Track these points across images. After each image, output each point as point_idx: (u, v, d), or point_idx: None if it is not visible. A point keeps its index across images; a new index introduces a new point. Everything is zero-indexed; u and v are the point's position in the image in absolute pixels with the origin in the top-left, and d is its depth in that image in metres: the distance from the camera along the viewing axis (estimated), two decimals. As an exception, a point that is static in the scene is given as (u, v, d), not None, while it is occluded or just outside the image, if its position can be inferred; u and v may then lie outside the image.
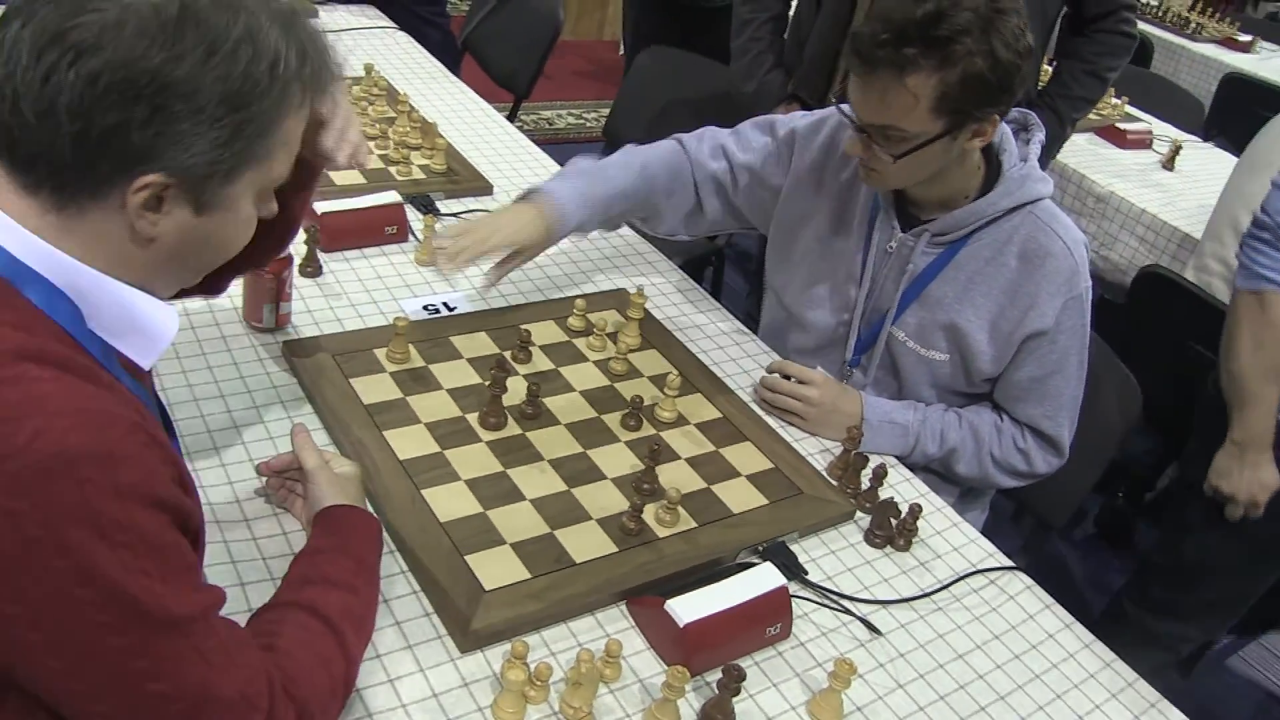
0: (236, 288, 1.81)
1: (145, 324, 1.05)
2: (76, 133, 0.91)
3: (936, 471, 1.94)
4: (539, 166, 2.65)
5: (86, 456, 0.87)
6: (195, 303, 1.82)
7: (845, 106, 1.77)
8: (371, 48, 3.19)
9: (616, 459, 1.66)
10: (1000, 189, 1.80)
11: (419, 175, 2.41)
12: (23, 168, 0.95)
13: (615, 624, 1.41)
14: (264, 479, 1.47)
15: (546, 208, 1.89)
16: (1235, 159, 3.00)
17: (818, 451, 1.82)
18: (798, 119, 2.05)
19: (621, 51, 5.77)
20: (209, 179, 0.99)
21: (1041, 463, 1.92)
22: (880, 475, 1.71)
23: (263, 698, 0.99)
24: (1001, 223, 1.83)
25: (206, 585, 1.00)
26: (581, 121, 5.93)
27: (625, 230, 2.41)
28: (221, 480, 1.48)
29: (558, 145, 4.68)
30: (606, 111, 3.77)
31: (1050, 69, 3.25)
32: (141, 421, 0.93)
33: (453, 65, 3.33)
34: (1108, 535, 3.46)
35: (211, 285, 1.40)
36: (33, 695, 0.94)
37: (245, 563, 1.36)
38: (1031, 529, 2.33)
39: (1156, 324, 2.77)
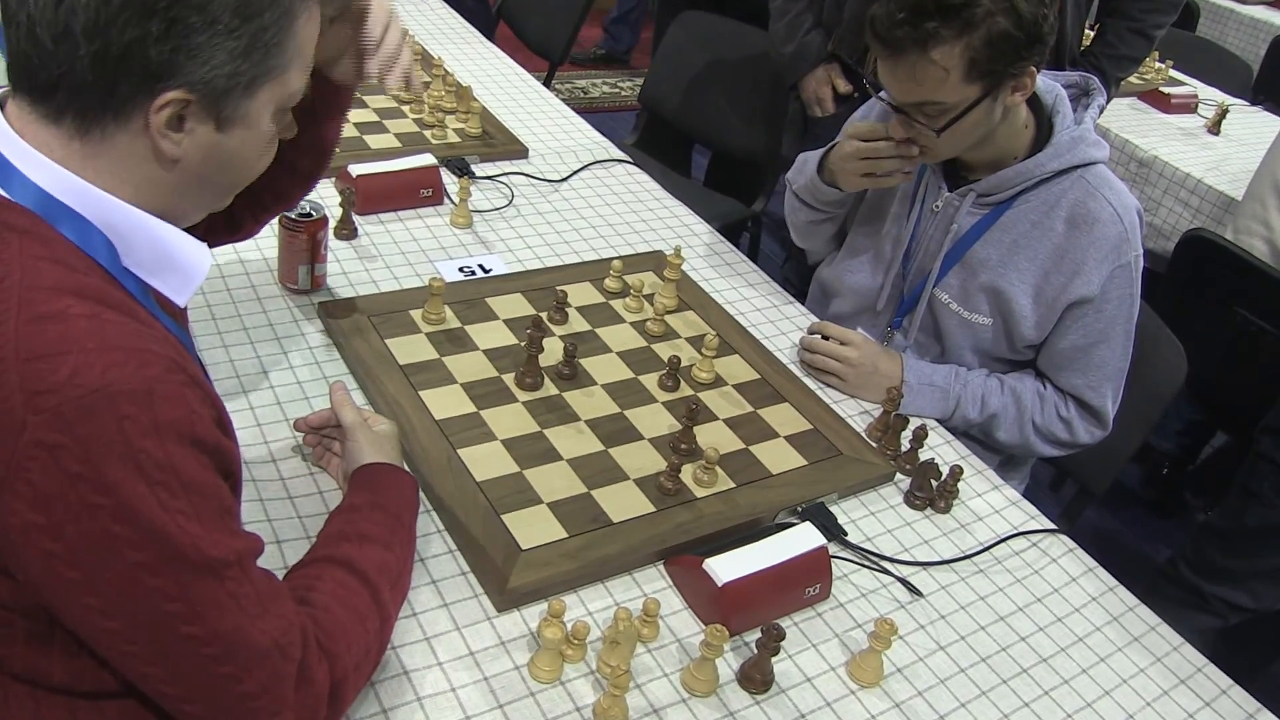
0: (272, 250, 1.81)
1: (180, 260, 1.05)
2: (94, 53, 0.91)
3: (977, 438, 1.92)
4: (575, 130, 2.63)
5: (126, 394, 0.86)
6: (232, 265, 1.82)
7: (883, 93, 1.75)
8: (405, 13, 3.18)
9: (654, 419, 1.64)
10: (1049, 150, 1.77)
11: (454, 139, 2.40)
12: (43, 96, 0.94)
13: (653, 584, 1.40)
14: (300, 436, 1.47)
15: None
16: (1283, 121, 2.94)
17: (857, 413, 1.80)
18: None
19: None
20: (229, 92, 0.98)
21: (1084, 433, 1.89)
22: (920, 437, 1.69)
23: (295, 648, 0.99)
24: (1050, 185, 1.79)
25: (244, 531, 0.99)
26: (616, 90, 5.89)
27: (661, 193, 2.39)
28: (257, 439, 1.48)
29: (593, 114, 4.66)
30: (641, 81, 3.74)
31: (1091, 33, 3.18)
32: (181, 361, 0.93)
33: (487, 33, 3.31)
34: (1157, 505, 3.43)
35: (246, 225, 1.40)
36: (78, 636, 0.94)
37: (281, 520, 1.36)
38: (1072, 497, 2.30)
39: (1200, 289, 2.72)
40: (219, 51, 0.95)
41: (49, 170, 0.95)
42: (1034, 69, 1.66)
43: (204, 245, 1.08)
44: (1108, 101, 3.13)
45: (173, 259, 1.04)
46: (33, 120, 0.96)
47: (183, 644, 0.92)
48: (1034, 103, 1.80)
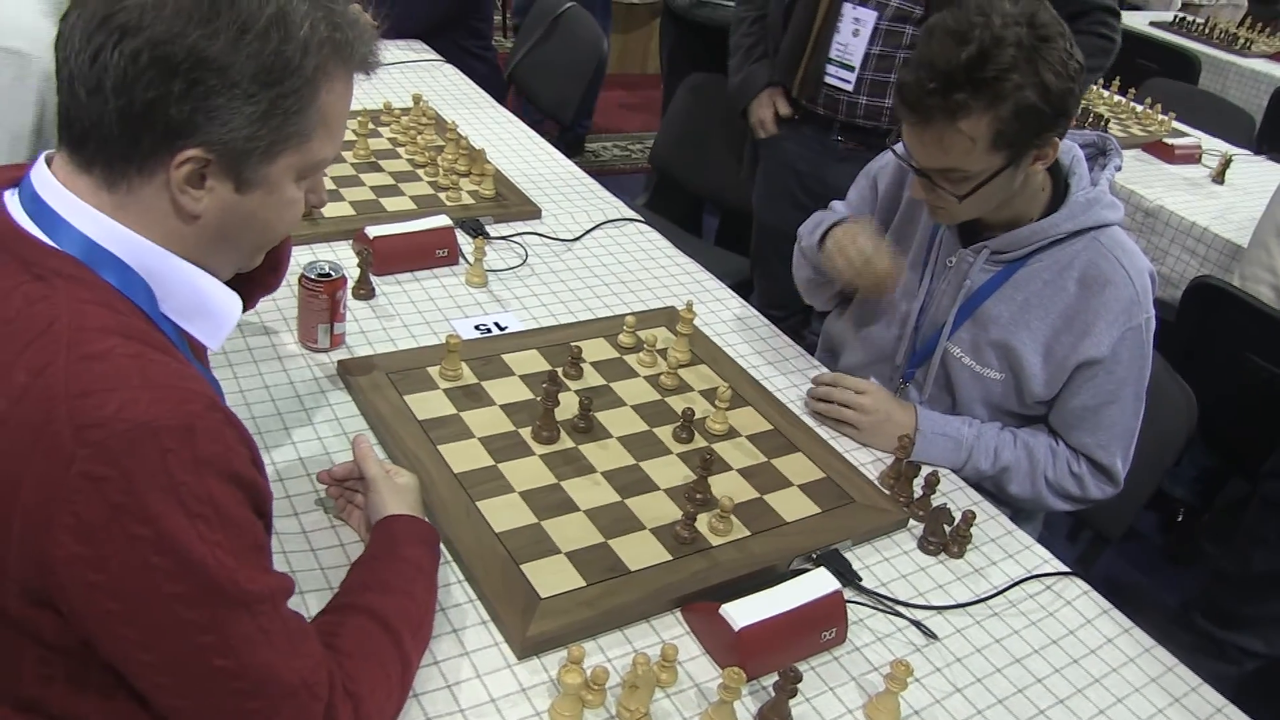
0: (292, 310, 1.85)
1: (212, 306, 1.10)
2: (120, 108, 0.96)
3: (989, 491, 1.92)
4: (586, 192, 2.68)
5: (169, 428, 0.91)
6: (253, 325, 1.86)
7: (899, 148, 1.78)
8: (419, 79, 3.24)
9: (669, 470, 1.67)
10: (1064, 211, 1.78)
11: (468, 200, 2.44)
12: (77, 146, 1.01)
13: (670, 630, 1.42)
14: (323, 489, 1.50)
15: None
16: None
17: (869, 461, 1.82)
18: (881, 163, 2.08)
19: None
20: (248, 155, 1.02)
21: (1095, 489, 1.88)
22: (933, 483, 1.70)
23: (323, 688, 1.01)
24: (1064, 246, 1.80)
25: (276, 571, 1.02)
26: (627, 153, 5.97)
27: (673, 250, 2.43)
28: (280, 493, 1.50)
29: (604, 177, 4.71)
30: (650, 143, 3.79)
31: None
32: (217, 401, 0.97)
33: (499, 98, 3.37)
34: (1172, 552, 3.42)
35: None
36: (113, 673, 0.97)
37: (303, 573, 1.38)
38: (1087, 544, 2.30)
39: (1209, 336, 2.74)
40: (237, 115, 0.99)
41: (94, 219, 1.01)
42: (1057, 140, 1.68)
43: (234, 293, 1.12)
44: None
45: (206, 305, 1.09)
46: (69, 170, 1.02)
47: (214, 677, 0.94)
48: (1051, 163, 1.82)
